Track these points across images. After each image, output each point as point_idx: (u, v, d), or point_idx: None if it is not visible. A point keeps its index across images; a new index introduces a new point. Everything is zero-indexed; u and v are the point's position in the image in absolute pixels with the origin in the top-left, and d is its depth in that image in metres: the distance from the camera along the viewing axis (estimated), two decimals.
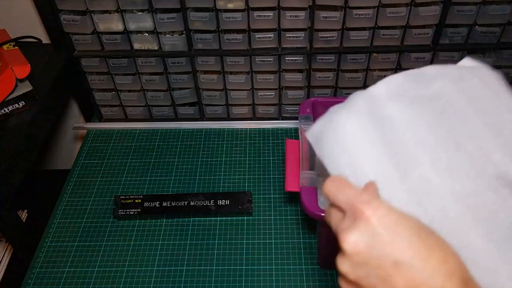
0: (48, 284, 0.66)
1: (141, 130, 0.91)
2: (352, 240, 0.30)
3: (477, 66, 0.41)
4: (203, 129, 0.90)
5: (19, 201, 0.95)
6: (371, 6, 0.72)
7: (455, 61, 0.80)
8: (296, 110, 0.89)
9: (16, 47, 0.80)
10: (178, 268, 0.67)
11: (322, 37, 0.77)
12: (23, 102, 0.74)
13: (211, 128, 0.90)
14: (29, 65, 0.74)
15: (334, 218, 0.34)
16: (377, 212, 0.30)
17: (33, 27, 0.86)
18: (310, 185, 0.57)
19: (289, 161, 0.64)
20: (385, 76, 0.86)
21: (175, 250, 0.69)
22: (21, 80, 0.74)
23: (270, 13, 0.73)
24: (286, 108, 0.89)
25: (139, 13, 0.75)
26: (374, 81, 0.88)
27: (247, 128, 0.90)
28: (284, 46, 0.79)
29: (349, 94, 0.86)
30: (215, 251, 0.69)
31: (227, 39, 0.77)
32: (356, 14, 0.73)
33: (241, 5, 0.73)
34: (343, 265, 0.31)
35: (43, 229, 0.74)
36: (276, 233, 0.71)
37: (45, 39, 0.87)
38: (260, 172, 0.81)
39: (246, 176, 0.80)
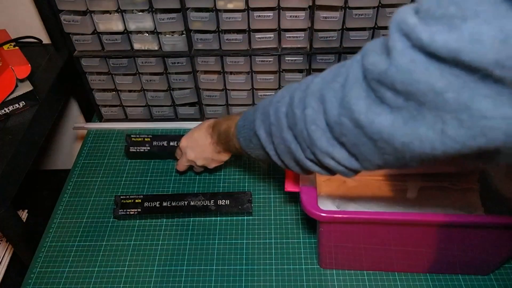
0: (49, 284, 0.66)
1: (141, 130, 0.91)
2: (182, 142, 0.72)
3: None
4: None
5: (20, 201, 0.95)
6: (371, 6, 0.72)
7: None
8: None
9: (17, 47, 0.80)
10: (178, 267, 0.67)
11: (322, 37, 0.77)
12: (23, 102, 0.74)
13: None
14: (30, 65, 0.74)
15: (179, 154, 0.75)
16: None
17: (33, 27, 0.87)
18: (310, 185, 0.58)
19: None
20: None
21: (175, 250, 0.70)
22: (22, 80, 0.75)
23: (270, 13, 0.73)
24: None
25: (139, 13, 0.75)
26: None
27: None
28: (284, 46, 0.79)
29: None
30: (215, 251, 0.69)
31: (227, 39, 0.77)
32: (356, 14, 0.73)
33: (241, 5, 0.73)
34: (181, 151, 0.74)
35: (43, 229, 0.74)
36: (276, 233, 0.71)
37: (46, 39, 0.87)
38: (260, 172, 0.81)
39: (246, 176, 0.81)
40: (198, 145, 0.70)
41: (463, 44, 0.28)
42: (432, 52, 0.30)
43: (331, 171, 0.45)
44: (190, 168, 0.78)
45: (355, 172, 0.43)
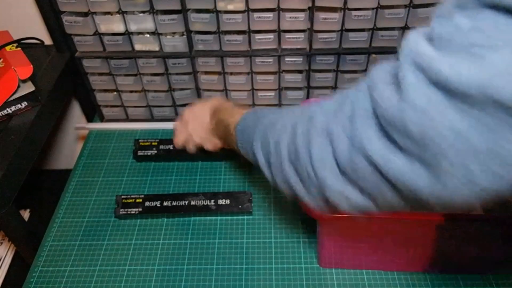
0: (50, 283, 0.66)
1: (142, 130, 0.92)
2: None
3: None
4: None
5: (22, 200, 0.96)
6: (370, 7, 0.72)
7: None
8: None
9: (19, 48, 0.81)
10: (179, 266, 0.68)
11: (321, 38, 0.77)
12: (25, 102, 0.74)
13: None
14: (32, 66, 0.75)
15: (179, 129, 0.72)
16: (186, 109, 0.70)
17: (35, 28, 0.87)
18: None
19: None
20: None
21: (176, 249, 0.70)
22: (24, 81, 0.75)
23: (270, 14, 0.74)
24: None
25: (140, 14, 0.76)
26: None
27: None
28: (283, 47, 0.79)
29: None
30: (215, 250, 0.70)
31: (227, 40, 0.78)
32: (355, 15, 0.73)
33: (241, 6, 0.73)
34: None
35: (45, 228, 0.74)
36: (276, 233, 0.72)
37: (48, 40, 0.88)
38: (260, 172, 0.81)
39: (246, 176, 0.81)
40: (198, 122, 0.68)
41: (494, 79, 0.23)
42: (454, 88, 0.25)
43: (337, 208, 0.39)
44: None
45: (368, 211, 0.38)
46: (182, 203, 0.74)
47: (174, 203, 0.74)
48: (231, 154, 0.82)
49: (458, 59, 0.25)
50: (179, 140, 0.73)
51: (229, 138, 0.60)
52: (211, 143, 0.69)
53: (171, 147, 0.84)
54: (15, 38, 0.83)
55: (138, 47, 0.81)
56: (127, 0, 0.73)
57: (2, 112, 0.73)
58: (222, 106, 0.65)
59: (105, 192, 0.80)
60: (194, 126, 0.69)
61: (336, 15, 0.73)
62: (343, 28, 0.76)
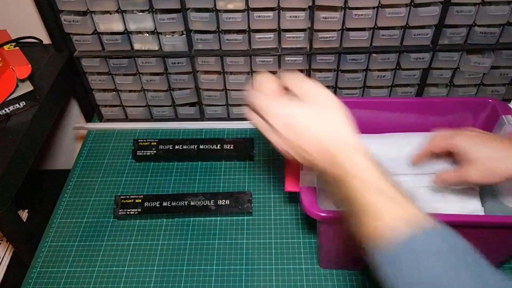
0: (49, 284, 0.66)
1: (141, 130, 0.91)
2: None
3: None
4: (203, 129, 0.90)
5: (20, 200, 0.95)
6: (371, 6, 0.72)
7: (454, 61, 0.81)
8: None
9: (17, 48, 0.80)
10: (178, 267, 0.67)
11: (322, 37, 0.77)
12: (24, 102, 0.74)
13: (211, 128, 0.90)
14: (30, 65, 0.74)
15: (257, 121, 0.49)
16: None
17: (34, 27, 0.87)
18: (310, 185, 0.58)
19: (289, 161, 0.63)
20: (384, 76, 0.87)
21: (175, 250, 0.70)
22: (22, 80, 0.75)
23: (270, 14, 0.73)
24: None
25: (139, 13, 0.75)
26: (373, 82, 0.88)
27: (247, 128, 0.90)
28: (284, 46, 0.79)
29: (348, 94, 0.86)
30: (215, 251, 0.69)
31: (227, 39, 0.77)
32: (355, 14, 0.73)
33: (241, 5, 0.73)
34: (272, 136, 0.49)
35: (44, 228, 0.74)
36: (276, 233, 0.71)
37: (46, 40, 0.87)
38: (260, 172, 0.81)
39: (246, 176, 0.81)
40: (299, 148, 0.46)
41: None
42: None
43: None
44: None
45: None
46: (182, 203, 0.73)
47: (173, 204, 0.73)
48: (230, 154, 0.82)
49: None
50: (255, 122, 0.50)
51: (344, 217, 0.43)
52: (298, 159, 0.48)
53: (170, 147, 0.83)
54: (14, 37, 0.83)
55: (137, 46, 0.81)
56: None
57: (0, 112, 0.72)
58: (356, 170, 0.41)
59: (104, 192, 0.79)
60: (289, 144, 0.47)
61: (337, 14, 0.73)
62: (344, 27, 0.75)
